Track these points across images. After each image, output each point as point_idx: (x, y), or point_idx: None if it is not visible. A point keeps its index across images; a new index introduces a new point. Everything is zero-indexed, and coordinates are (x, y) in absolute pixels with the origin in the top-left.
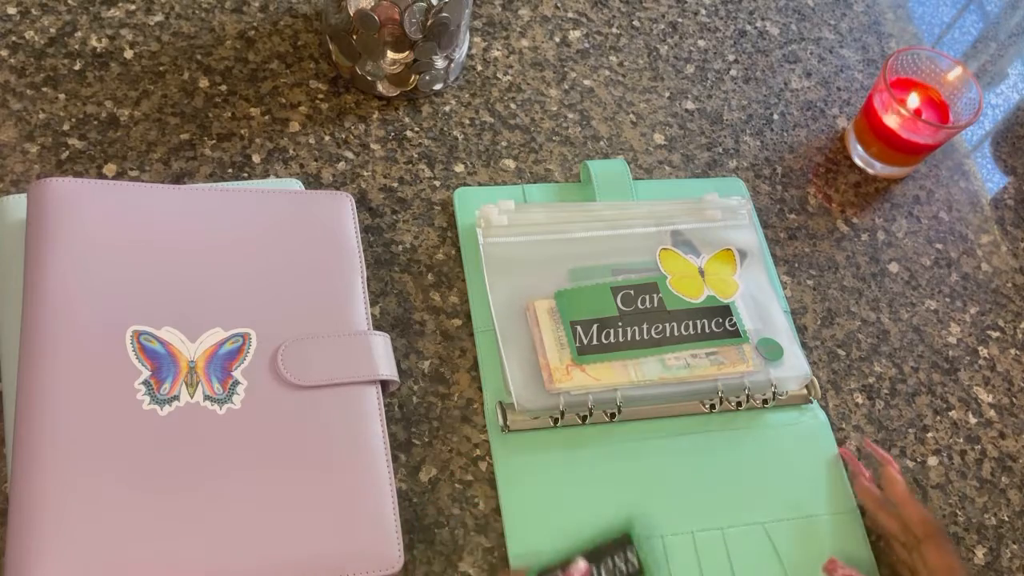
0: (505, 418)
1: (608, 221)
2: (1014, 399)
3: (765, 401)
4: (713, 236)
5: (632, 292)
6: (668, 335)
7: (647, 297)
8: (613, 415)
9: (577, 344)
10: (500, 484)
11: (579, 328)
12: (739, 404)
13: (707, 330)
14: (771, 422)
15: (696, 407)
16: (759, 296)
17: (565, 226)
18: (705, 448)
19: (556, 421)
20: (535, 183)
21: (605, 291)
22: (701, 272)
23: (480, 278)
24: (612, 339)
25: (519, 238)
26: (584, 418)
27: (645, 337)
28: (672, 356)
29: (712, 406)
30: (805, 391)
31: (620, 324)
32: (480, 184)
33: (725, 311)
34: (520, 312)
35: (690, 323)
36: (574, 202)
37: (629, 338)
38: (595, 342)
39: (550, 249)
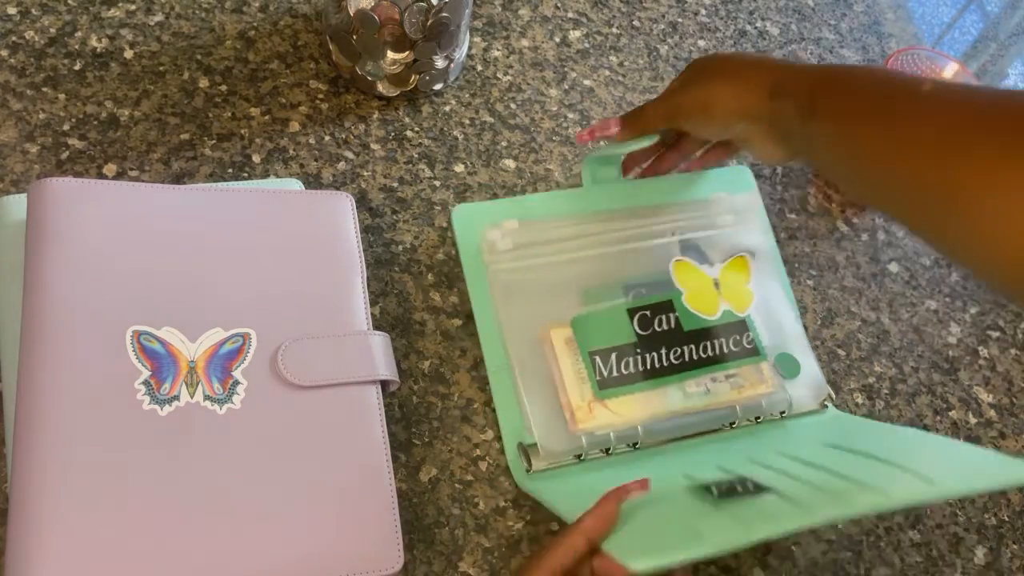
0: (529, 462)
1: (616, 233)
2: (1014, 399)
3: (782, 413)
4: (722, 240)
5: (648, 313)
6: (687, 359)
7: (663, 318)
8: (635, 444)
9: (597, 377)
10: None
11: (598, 359)
12: (757, 418)
13: (725, 350)
14: (790, 427)
15: (715, 425)
16: (773, 303)
17: (573, 243)
18: (727, 450)
19: (579, 457)
20: (535, 192)
21: (621, 313)
22: (716, 284)
23: (488, 311)
24: (631, 368)
25: (526, 262)
26: (607, 451)
27: (664, 364)
28: (692, 383)
29: (731, 423)
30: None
31: (638, 351)
32: (480, 184)
33: (742, 326)
34: (535, 342)
35: (708, 344)
36: (578, 214)
37: (648, 367)
38: (615, 373)
39: (560, 271)
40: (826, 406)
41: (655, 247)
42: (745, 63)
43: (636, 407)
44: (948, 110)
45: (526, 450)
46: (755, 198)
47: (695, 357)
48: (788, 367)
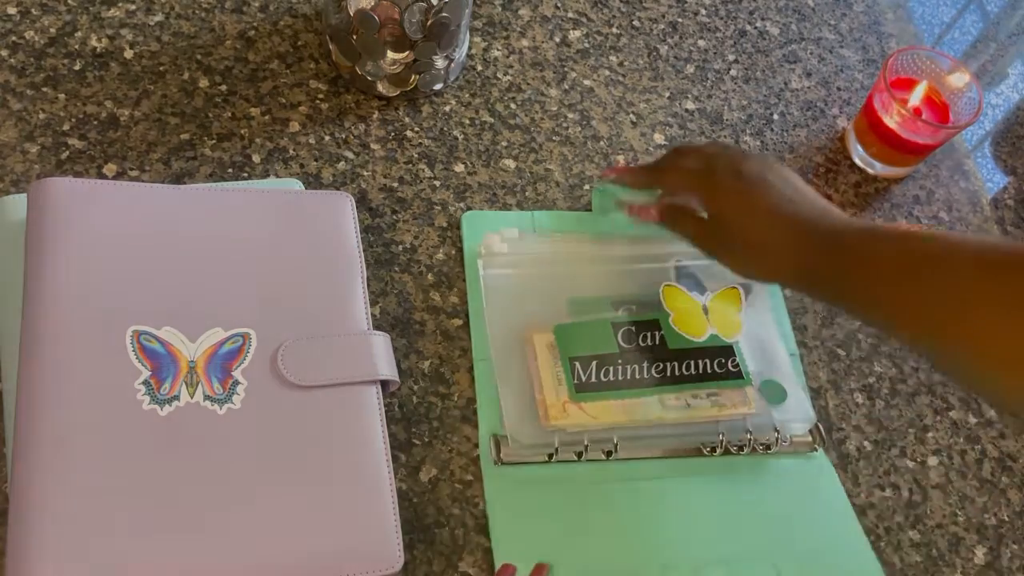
0: (498, 451)
1: (613, 253)
2: None
3: (768, 447)
4: (720, 270)
5: (633, 329)
6: (668, 374)
7: (649, 334)
8: (609, 452)
9: (575, 381)
10: (492, 519)
11: (578, 365)
12: (740, 448)
13: (709, 370)
14: (773, 469)
15: (696, 450)
16: (763, 336)
17: (567, 257)
18: (704, 492)
19: (551, 457)
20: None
21: (606, 327)
22: (705, 310)
23: (481, 307)
24: (611, 377)
25: (519, 269)
26: (579, 455)
27: (645, 376)
28: (672, 397)
29: (712, 449)
30: (809, 438)
31: (620, 362)
32: (480, 184)
33: (728, 351)
34: (519, 344)
35: (691, 363)
36: (580, 233)
37: (628, 377)
38: (593, 380)
39: (550, 280)
40: (816, 448)
41: (650, 270)
42: (774, 228)
43: (612, 412)
44: (958, 273)
45: (498, 441)
46: None
47: (677, 373)
48: (773, 393)
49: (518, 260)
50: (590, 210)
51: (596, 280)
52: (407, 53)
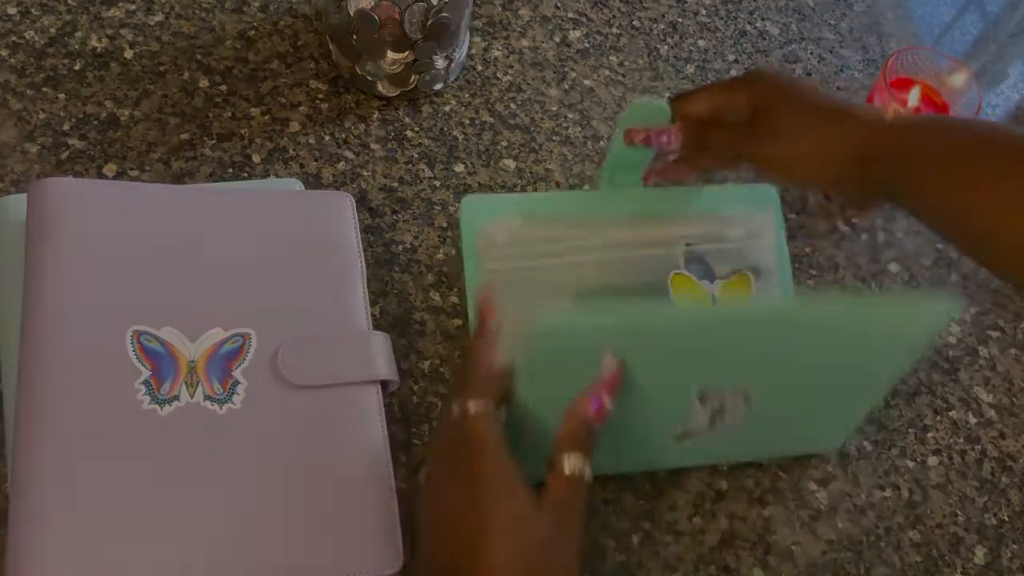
0: None
1: (621, 238)
2: (1014, 399)
3: None
4: (730, 255)
5: None
6: None
7: None
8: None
9: None
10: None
11: None
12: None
13: None
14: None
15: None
16: None
17: (573, 246)
18: None
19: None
20: (546, 191)
21: None
22: (714, 301)
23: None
24: None
25: (519, 262)
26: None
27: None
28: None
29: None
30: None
31: None
32: (480, 184)
33: None
34: None
35: None
36: (587, 216)
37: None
38: None
39: (554, 273)
40: None
41: (659, 256)
42: (827, 115)
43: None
44: None
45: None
46: (774, 217)
47: None
48: None
49: (520, 252)
50: (583, 185)
51: (603, 269)
52: (407, 53)
